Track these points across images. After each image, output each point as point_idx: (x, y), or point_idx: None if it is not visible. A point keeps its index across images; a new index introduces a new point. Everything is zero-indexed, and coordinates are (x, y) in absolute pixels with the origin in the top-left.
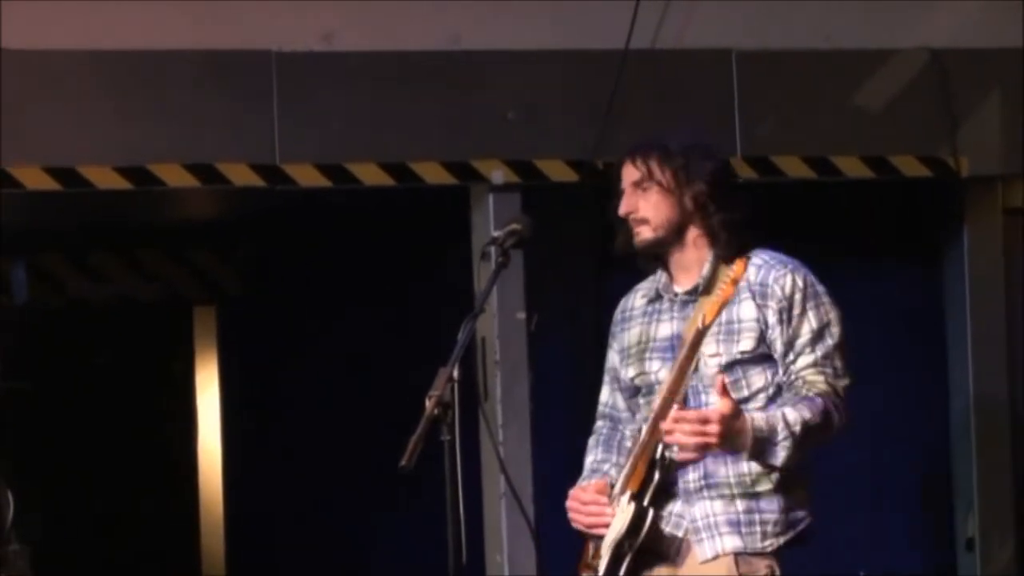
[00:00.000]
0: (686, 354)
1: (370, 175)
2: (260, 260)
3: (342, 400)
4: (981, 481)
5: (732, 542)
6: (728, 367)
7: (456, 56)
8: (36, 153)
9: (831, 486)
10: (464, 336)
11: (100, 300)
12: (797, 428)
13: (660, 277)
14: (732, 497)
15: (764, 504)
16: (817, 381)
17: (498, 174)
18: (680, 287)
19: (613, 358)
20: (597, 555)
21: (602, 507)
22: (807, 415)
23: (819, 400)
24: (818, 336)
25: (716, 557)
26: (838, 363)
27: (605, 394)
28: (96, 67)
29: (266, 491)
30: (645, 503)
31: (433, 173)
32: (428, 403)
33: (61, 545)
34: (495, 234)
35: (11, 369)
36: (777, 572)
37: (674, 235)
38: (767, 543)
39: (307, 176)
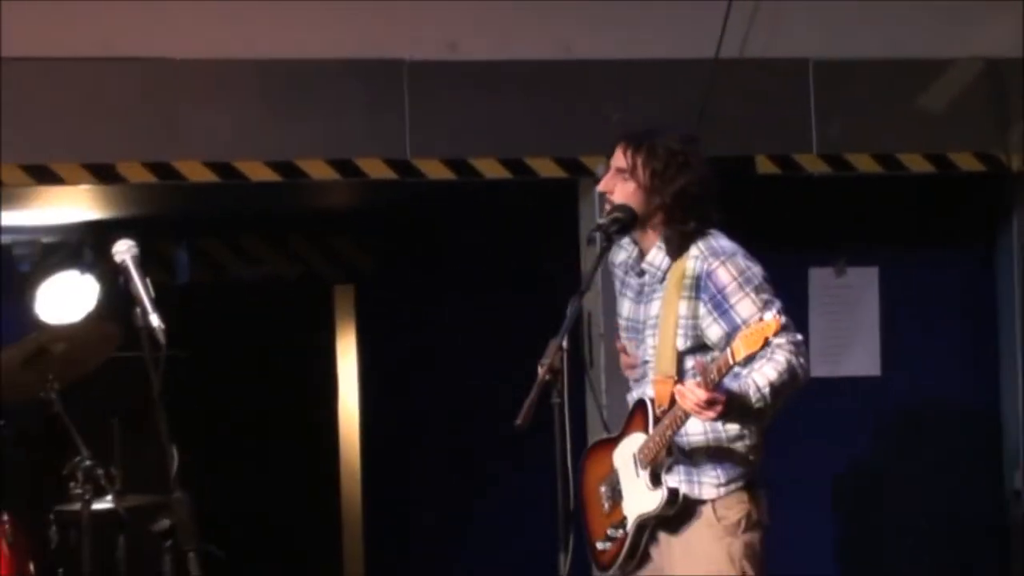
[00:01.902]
0: (722, 365)
1: (490, 169)
2: (392, 244)
3: (462, 365)
4: None
5: (708, 492)
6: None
7: (567, 64)
8: (197, 149)
9: (903, 442)
10: (572, 311)
11: (252, 279)
12: (766, 390)
13: (633, 250)
14: (708, 455)
15: (704, 458)
16: (779, 343)
17: (603, 169)
18: (641, 272)
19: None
20: (616, 513)
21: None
22: (772, 376)
23: (782, 359)
24: (764, 309)
25: (699, 501)
26: (788, 324)
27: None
28: (251, 74)
29: (397, 445)
30: (663, 483)
31: (545, 167)
32: (541, 370)
33: (215, 494)
34: (600, 221)
35: (173, 340)
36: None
37: (635, 220)
38: (725, 490)
39: (434, 170)
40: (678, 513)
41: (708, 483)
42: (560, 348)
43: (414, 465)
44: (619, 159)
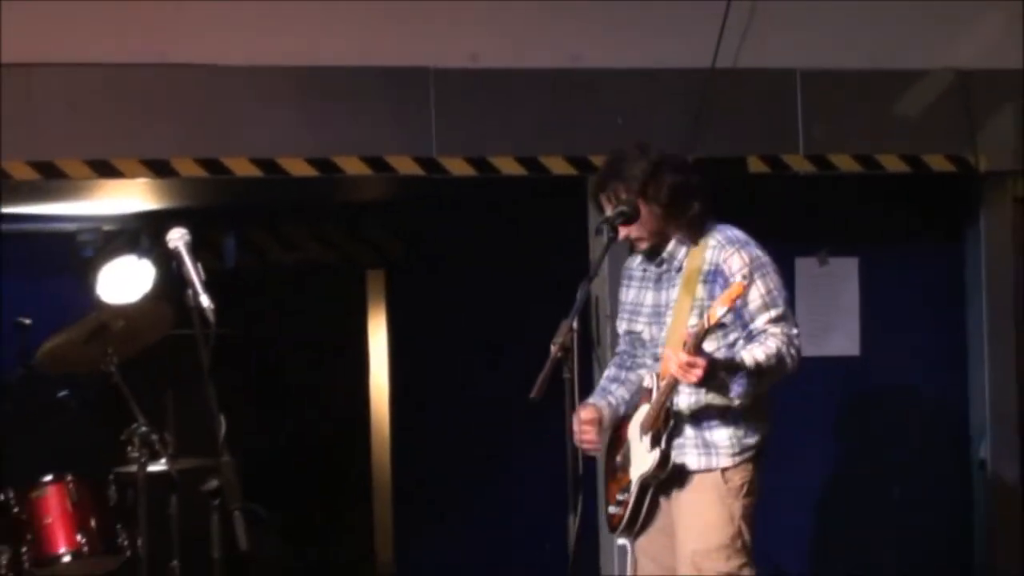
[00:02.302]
0: (700, 331)
1: (506, 166)
2: (419, 233)
3: (481, 342)
4: (992, 414)
5: (724, 461)
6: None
7: (576, 72)
8: (244, 147)
9: (879, 415)
10: (581, 295)
11: (292, 264)
12: (752, 367)
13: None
14: (706, 426)
15: (720, 429)
16: (775, 332)
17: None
18: (659, 263)
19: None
20: (625, 478)
21: (590, 431)
22: (760, 357)
23: (772, 345)
24: (768, 300)
25: (708, 470)
26: (789, 317)
27: (623, 326)
28: (293, 80)
29: (422, 413)
30: (663, 446)
31: (557, 165)
32: (553, 348)
33: (258, 458)
34: (607, 215)
35: (221, 319)
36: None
37: (661, 236)
38: (735, 459)
39: (457, 167)
40: (691, 478)
41: (724, 453)
42: (571, 328)
43: (437, 430)
44: (608, 208)
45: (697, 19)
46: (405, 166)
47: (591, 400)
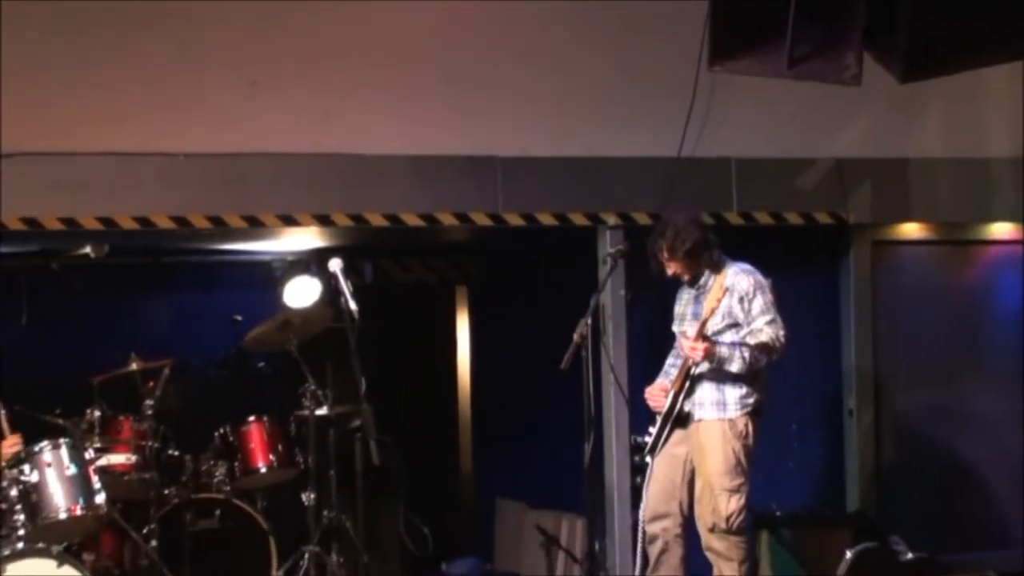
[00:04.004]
0: (700, 324)
1: (547, 219)
2: (489, 263)
3: (528, 332)
4: (857, 380)
5: (732, 412)
6: (721, 331)
7: (588, 160)
8: (377, 206)
9: (782, 381)
10: (593, 301)
11: (408, 282)
12: (747, 353)
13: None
14: (720, 389)
15: (730, 391)
16: (766, 331)
17: (611, 219)
18: (697, 287)
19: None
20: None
21: (659, 398)
22: (753, 344)
23: (764, 339)
24: (764, 309)
25: (720, 420)
26: (778, 321)
27: (676, 328)
28: (409, 163)
29: (491, 376)
30: (682, 397)
31: (578, 219)
32: (575, 335)
33: (386, 407)
34: (609, 251)
35: (362, 317)
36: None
37: (693, 271)
38: (738, 413)
39: (514, 220)
40: (707, 423)
41: (731, 408)
42: (586, 324)
43: (500, 387)
44: (662, 252)
45: (665, 126)
46: (481, 219)
47: (660, 379)
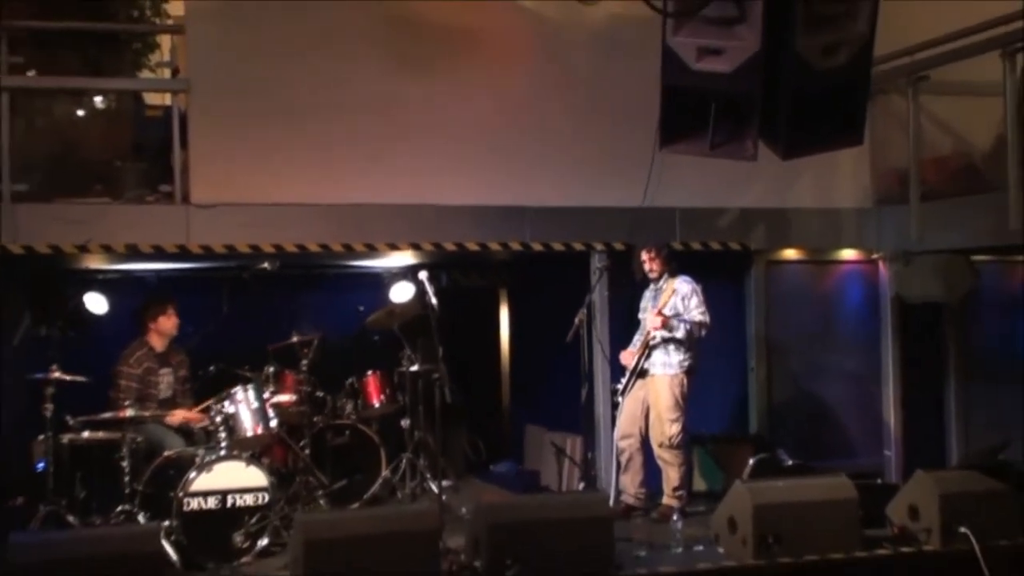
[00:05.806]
0: (656, 311)
1: (558, 246)
2: (521, 273)
3: (549, 322)
4: (756, 346)
5: (673, 371)
6: (671, 316)
7: (583, 208)
8: (448, 237)
9: (712, 352)
10: (587, 298)
11: (468, 286)
12: (688, 325)
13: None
14: (667, 352)
15: (674, 356)
16: (698, 317)
17: (599, 246)
18: (656, 289)
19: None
20: (626, 373)
21: (628, 359)
22: (687, 323)
23: (696, 321)
24: (698, 304)
25: (666, 375)
26: (706, 312)
27: (640, 316)
28: (467, 212)
29: (523, 352)
30: (643, 359)
31: (578, 246)
32: (576, 319)
33: (459, 367)
34: (598, 266)
35: (440, 309)
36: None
37: (663, 269)
38: (679, 370)
39: (537, 246)
40: (659, 377)
41: (675, 367)
42: (583, 312)
43: (527, 359)
44: (649, 255)
45: (633, 185)
46: (515, 246)
47: (629, 347)
